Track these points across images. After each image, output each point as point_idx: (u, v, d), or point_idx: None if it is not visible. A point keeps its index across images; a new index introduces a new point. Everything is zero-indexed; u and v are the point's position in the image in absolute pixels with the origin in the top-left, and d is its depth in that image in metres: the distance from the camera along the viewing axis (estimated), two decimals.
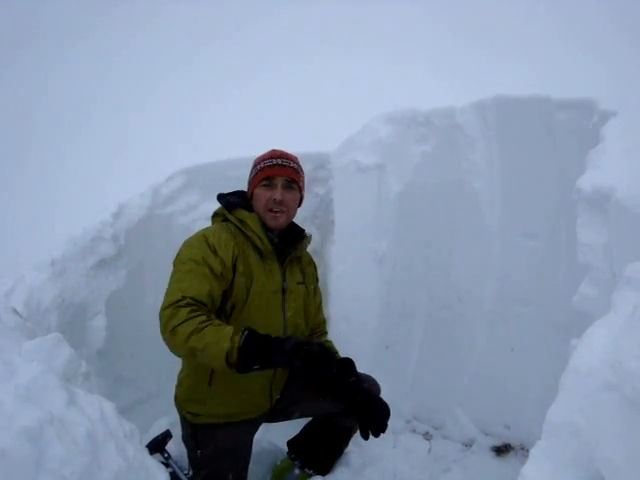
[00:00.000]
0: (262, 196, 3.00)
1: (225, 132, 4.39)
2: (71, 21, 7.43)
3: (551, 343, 3.49)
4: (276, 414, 3.28)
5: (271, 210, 2.98)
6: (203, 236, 2.86)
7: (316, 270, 3.43)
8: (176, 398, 3.15)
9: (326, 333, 3.49)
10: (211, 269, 2.73)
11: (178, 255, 2.86)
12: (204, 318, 2.55)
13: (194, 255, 2.76)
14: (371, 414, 3.04)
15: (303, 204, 3.96)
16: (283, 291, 3.04)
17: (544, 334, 3.69)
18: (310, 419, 3.57)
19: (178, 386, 3.15)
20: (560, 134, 3.50)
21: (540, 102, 3.56)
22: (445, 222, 4.01)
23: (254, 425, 3.21)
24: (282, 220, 3.03)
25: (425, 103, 4.00)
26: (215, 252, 2.78)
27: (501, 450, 3.92)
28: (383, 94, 4.52)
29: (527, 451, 3.64)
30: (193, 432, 3.07)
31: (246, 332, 2.52)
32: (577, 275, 2.69)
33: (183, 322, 2.52)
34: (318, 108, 4.66)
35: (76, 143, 4.97)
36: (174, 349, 2.61)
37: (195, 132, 4.77)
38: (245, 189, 3.17)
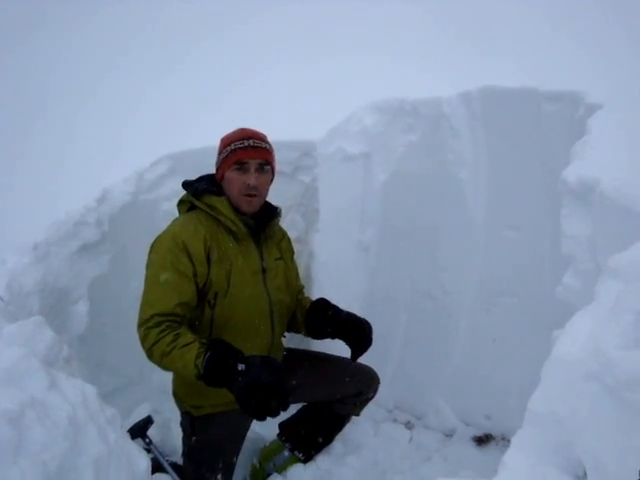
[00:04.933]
0: (235, 180, 2.92)
1: (211, 119, 4.36)
2: (69, 9, 7.39)
3: (533, 334, 3.50)
4: None
5: (244, 195, 2.92)
6: (172, 235, 2.81)
7: (290, 242, 3.42)
8: (175, 394, 3.13)
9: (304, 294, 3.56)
10: (180, 272, 2.71)
11: (149, 257, 2.83)
12: (170, 338, 2.56)
13: (162, 260, 2.74)
14: (355, 332, 3.17)
15: (288, 192, 3.98)
16: (263, 270, 3.02)
17: (527, 325, 3.71)
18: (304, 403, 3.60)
19: (175, 381, 3.13)
20: (546, 126, 3.51)
21: (527, 94, 3.57)
22: (430, 212, 4.02)
23: None
24: (255, 204, 2.98)
25: (413, 93, 3.99)
26: (185, 250, 2.74)
27: (482, 440, 3.94)
28: (370, 83, 4.51)
29: (508, 441, 3.66)
30: (192, 420, 3.06)
31: (207, 355, 2.47)
32: (561, 266, 2.70)
33: (154, 344, 2.58)
34: (305, 96, 4.65)
35: (67, 129, 4.95)
36: (158, 366, 2.67)
37: (181, 120, 4.74)
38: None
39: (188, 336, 2.59)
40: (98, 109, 5.25)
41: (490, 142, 3.77)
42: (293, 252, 3.43)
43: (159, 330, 2.59)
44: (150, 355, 2.64)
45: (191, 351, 2.51)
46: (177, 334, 2.58)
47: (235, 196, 2.94)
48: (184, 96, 5.24)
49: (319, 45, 5.59)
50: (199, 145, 3.92)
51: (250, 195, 2.93)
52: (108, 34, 6.79)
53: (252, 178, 2.91)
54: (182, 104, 5.06)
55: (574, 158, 2.82)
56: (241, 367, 2.45)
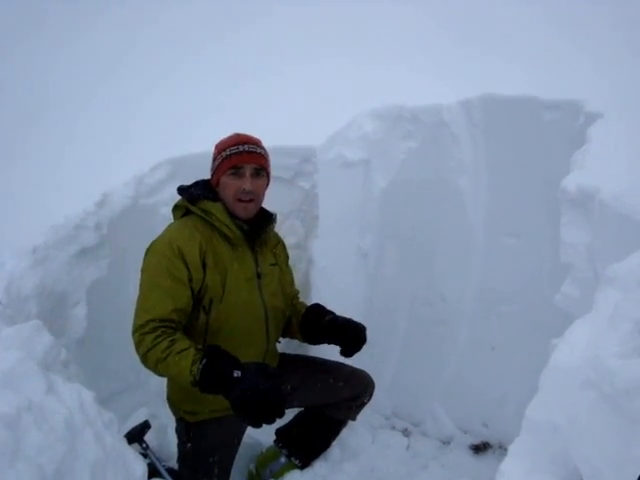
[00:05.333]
0: (230, 185, 2.92)
1: (211, 124, 4.36)
2: (71, 11, 7.41)
3: (532, 343, 3.48)
4: None
5: (240, 200, 2.92)
6: (167, 240, 2.81)
7: (285, 248, 3.43)
8: (169, 399, 3.13)
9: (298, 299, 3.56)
10: (176, 278, 2.72)
11: (144, 261, 2.84)
12: (166, 345, 2.57)
13: (158, 265, 2.75)
14: (350, 332, 3.19)
15: (287, 198, 3.97)
16: (258, 276, 3.02)
17: (525, 333, 3.70)
18: (300, 409, 3.62)
19: (170, 387, 3.13)
20: (547, 134, 3.51)
21: (527, 102, 3.57)
22: (429, 219, 4.02)
23: None
24: (251, 209, 2.98)
25: (414, 100, 3.99)
26: (181, 255, 2.74)
27: (479, 448, 3.93)
28: (371, 89, 4.51)
29: (505, 450, 3.62)
30: (186, 426, 3.07)
31: (203, 362, 2.50)
32: (560, 275, 2.71)
33: (149, 350, 2.60)
34: (305, 102, 4.65)
35: (67, 133, 4.95)
36: (153, 372, 2.70)
37: (181, 124, 4.75)
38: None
39: (184, 342, 2.60)
40: (98, 113, 5.26)
41: (490, 150, 3.77)
42: (288, 257, 3.44)
43: (154, 336, 2.60)
44: (145, 360, 2.66)
45: (187, 357, 2.53)
46: (173, 340, 2.59)
47: (230, 201, 2.94)
48: (184, 101, 5.24)
49: (319, 50, 5.59)
50: (199, 150, 3.92)
51: (245, 200, 2.93)
52: (108, 38, 6.80)
53: (247, 183, 2.91)
54: (182, 109, 5.06)
55: (574, 167, 2.82)
56: (237, 374, 2.47)
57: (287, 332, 3.40)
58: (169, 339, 2.59)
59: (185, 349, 2.55)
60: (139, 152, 4.36)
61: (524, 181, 3.66)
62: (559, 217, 2.75)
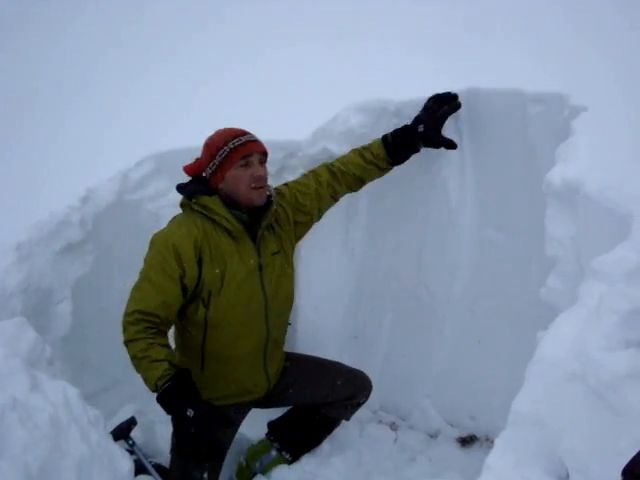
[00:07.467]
0: (242, 177, 2.92)
1: (196, 119, 4.35)
2: (52, 8, 7.36)
3: (518, 336, 3.51)
4: (270, 399, 3.38)
5: (255, 188, 2.93)
6: (165, 237, 2.90)
7: (289, 203, 3.29)
8: None
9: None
10: (167, 274, 2.81)
11: (147, 252, 2.92)
12: (143, 346, 2.71)
13: (152, 260, 2.86)
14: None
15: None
16: (260, 268, 3.04)
17: (512, 327, 3.71)
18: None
19: None
20: (532, 127, 3.50)
21: (512, 95, 3.56)
22: (416, 213, 4.01)
23: (245, 410, 3.34)
24: (264, 195, 2.99)
25: (401, 93, 3.97)
26: (175, 253, 2.81)
27: (466, 441, 3.95)
28: (358, 83, 4.49)
29: (492, 442, 3.63)
30: None
31: (167, 385, 2.66)
32: (546, 268, 2.71)
33: (130, 341, 2.75)
34: (290, 96, 4.62)
35: (51, 128, 4.91)
36: None
37: (166, 119, 4.72)
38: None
39: (161, 351, 2.73)
40: (82, 108, 5.22)
41: (475, 143, 3.77)
42: (296, 202, 3.32)
43: (136, 330, 2.72)
44: (126, 347, 2.78)
45: (158, 370, 2.67)
46: (152, 344, 2.71)
47: (244, 192, 2.94)
48: (168, 96, 5.21)
49: (304, 43, 5.56)
50: (184, 145, 3.90)
51: (259, 187, 2.95)
52: (91, 33, 6.75)
53: (260, 169, 2.95)
54: (166, 104, 5.03)
55: (559, 160, 2.83)
56: (190, 413, 2.66)
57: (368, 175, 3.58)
58: (148, 341, 2.71)
59: (160, 360, 2.69)
60: (124, 147, 4.33)
61: (509, 175, 3.66)
62: (544, 210, 2.76)
